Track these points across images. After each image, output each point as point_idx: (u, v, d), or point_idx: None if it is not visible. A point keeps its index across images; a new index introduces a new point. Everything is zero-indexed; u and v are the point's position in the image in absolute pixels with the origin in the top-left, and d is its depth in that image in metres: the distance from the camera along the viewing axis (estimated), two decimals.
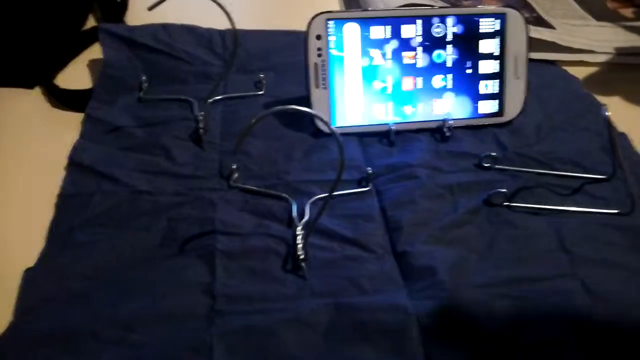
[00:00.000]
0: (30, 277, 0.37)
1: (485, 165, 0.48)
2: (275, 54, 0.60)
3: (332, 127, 0.34)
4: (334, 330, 0.35)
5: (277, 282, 0.38)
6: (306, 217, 0.42)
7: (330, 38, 0.49)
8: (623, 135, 0.50)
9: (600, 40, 0.65)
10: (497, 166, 0.48)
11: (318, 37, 0.49)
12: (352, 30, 0.49)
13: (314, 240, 0.40)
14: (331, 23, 0.49)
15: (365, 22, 0.49)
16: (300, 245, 0.39)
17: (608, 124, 0.41)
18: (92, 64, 0.59)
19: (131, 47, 0.58)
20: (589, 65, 0.63)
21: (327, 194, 0.39)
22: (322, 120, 0.34)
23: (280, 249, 0.40)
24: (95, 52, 0.60)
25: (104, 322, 0.35)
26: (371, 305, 0.36)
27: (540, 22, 0.67)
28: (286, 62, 0.59)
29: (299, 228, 0.41)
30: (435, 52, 0.51)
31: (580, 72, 0.62)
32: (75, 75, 0.57)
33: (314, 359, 0.34)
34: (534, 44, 0.52)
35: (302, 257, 0.39)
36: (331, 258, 0.40)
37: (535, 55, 0.60)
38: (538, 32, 0.63)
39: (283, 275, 0.38)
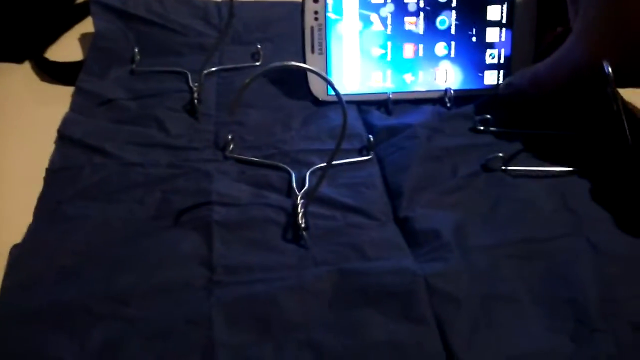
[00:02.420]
0: (18, 253, 0.36)
1: (481, 128, 0.46)
2: (273, 25, 0.58)
3: (338, 91, 0.32)
4: (338, 296, 0.33)
5: (277, 252, 0.36)
6: (306, 187, 0.40)
7: (328, 0, 0.47)
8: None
9: None
10: (492, 128, 0.46)
11: (315, 0, 0.47)
12: None
13: (315, 209, 0.39)
14: None
15: None
16: (300, 214, 0.38)
17: (611, 81, 0.39)
18: (84, 38, 0.57)
19: (124, 18, 0.56)
20: None
21: (326, 163, 0.37)
22: (326, 79, 0.32)
23: (279, 218, 0.38)
24: (87, 26, 0.57)
25: (97, 297, 0.33)
26: (376, 269, 0.34)
27: None
28: (284, 33, 0.57)
29: (299, 197, 0.39)
30: (439, 18, 0.49)
31: None
32: (66, 49, 0.56)
33: (319, 326, 0.32)
34: None
35: (303, 226, 0.37)
36: (333, 226, 0.38)
37: None
38: None
39: (284, 245, 0.37)
